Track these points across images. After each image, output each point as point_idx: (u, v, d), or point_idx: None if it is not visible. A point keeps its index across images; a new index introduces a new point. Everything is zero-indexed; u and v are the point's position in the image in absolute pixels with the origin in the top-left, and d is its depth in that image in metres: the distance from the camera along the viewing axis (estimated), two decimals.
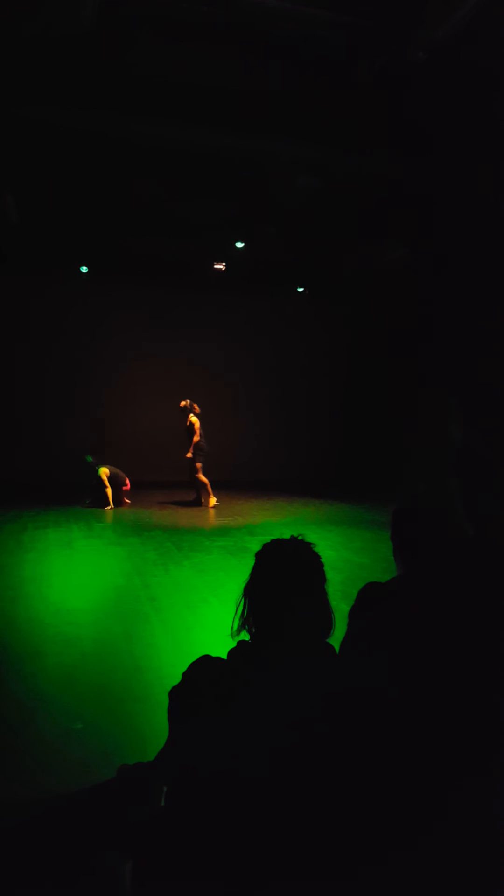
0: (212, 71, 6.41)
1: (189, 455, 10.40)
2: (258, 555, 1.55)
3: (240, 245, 10.97)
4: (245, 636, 1.51)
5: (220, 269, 12.07)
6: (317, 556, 1.55)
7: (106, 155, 7.96)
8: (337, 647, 1.58)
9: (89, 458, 10.33)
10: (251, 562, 1.55)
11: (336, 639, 1.55)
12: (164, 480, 12.62)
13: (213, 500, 10.58)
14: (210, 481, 10.54)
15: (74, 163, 8.15)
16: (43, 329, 12.59)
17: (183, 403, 10.60)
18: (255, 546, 1.60)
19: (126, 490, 10.40)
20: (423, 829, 1.33)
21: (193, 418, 10.51)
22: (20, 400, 12.56)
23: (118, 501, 10.27)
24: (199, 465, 10.41)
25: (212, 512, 10.16)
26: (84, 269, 12.18)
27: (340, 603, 1.57)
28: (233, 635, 1.51)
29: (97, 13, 5.40)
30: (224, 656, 1.48)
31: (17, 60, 6.13)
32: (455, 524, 1.82)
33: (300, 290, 13.73)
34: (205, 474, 10.49)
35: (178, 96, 6.80)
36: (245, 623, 1.51)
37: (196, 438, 10.40)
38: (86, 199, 9.26)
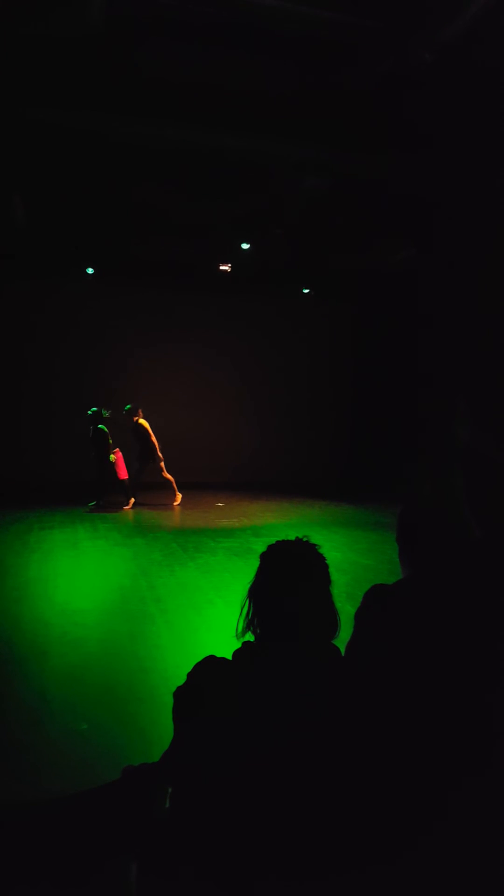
0: (218, 72, 6.42)
1: (160, 458, 10.42)
2: (263, 556, 1.55)
3: (245, 246, 10.97)
4: (250, 637, 1.51)
5: (226, 271, 12.08)
6: (322, 558, 1.54)
7: (112, 156, 7.99)
8: (342, 650, 1.58)
9: (105, 413, 10.18)
10: (256, 563, 1.55)
11: (341, 641, 1.55)
12: (168, 482, 12.62)
13: (131, 502, 10.55)
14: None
15: (81, 164, 8.18)
16: (49, 330, 12.61)
17: (130, 406, 10.52)
18: (260, 547, 1.59)
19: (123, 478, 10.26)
20: (426, 831, 1.33)
21: (144, 422, 10.42)
22: (27, 400, 12.60)
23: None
24: (152, 465, 10.48)
25: (130, 513, 10.10)
26: (90, 271, 12.20)
27: (346, 605, 1.57)
28: (238, 636, 1.50)
29: (103, 15, 5.42)
30: (229, 657, 1.48)
31: (24, 62, 6.15)
32: (461, 526, 1.81)
33: (306, 290, 13.73)
34: (139, 477, 10.52)
35: (184, 98, 6.81)
36: (250, 624, 1.50)
37: (154, 440, 10.38)
38: (92, 200, 9.29)
